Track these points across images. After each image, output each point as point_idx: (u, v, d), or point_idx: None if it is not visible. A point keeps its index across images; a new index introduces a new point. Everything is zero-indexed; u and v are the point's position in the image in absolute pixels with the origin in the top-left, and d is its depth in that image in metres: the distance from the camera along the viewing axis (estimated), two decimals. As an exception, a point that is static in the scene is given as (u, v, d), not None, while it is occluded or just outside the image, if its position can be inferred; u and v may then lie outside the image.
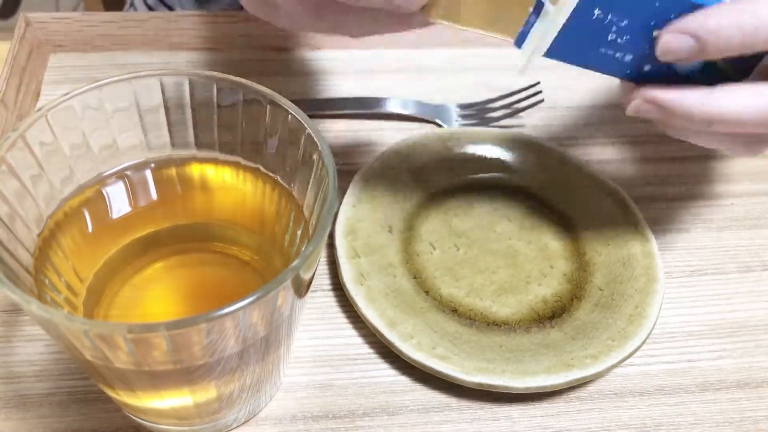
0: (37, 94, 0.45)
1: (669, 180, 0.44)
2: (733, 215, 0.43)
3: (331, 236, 0.37)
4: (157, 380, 0.25)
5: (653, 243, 0.38)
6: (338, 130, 0.45)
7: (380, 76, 0.49)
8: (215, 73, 0.28)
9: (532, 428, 0.33)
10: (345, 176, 0.40)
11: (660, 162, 0.45)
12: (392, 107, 0.46)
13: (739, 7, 0.27)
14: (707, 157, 0.46)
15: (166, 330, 0.21)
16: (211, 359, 0.24)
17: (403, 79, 0.49)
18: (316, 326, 0.35)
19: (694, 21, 0.27)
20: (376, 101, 0.46)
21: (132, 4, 0.64)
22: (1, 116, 0.41)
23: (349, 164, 0.43)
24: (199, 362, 0.24)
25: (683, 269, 0.40)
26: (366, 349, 0.35)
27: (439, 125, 0.46)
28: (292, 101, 0.28)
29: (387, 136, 0.45)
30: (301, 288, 0.25)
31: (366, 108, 0.46)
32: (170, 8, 0.61)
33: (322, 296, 0.37)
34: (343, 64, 0.49)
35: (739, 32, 0.26)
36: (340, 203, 0.38)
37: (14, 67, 0.43)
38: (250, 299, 0.22)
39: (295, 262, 0.23)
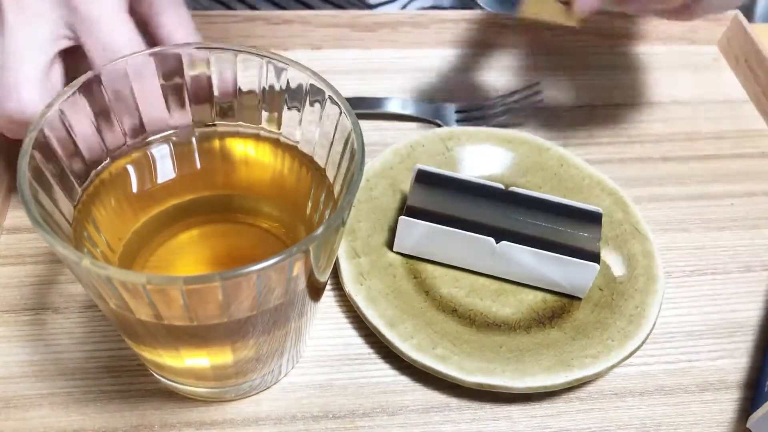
0: (37, 94, 0.45)
1: (669, 180, 0.44)
2: (733, 215, 0.43)
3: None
4: (175, 337, 0.26)
5: (653, 243, 0.38)
6: (338, 130, 0.45)
7: (380, 76, 0.49)
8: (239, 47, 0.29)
9: (532, 428, 0.33)
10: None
11: (660, 162, 0.45)
12: (392, 107, 0.46)
13: None
14: (707, 157, 0.46)
15: (184, 284, 0.22)
16: (256, 312, 0.25)
17: (403, 79, 0.49)
18: (316, 326, 0.35)
19: None
20: (376, 101, 0.46)
21: None
22: (1, 116, 0.41)
23: (349, 164, 0.43)
24: (243, 316, 0.25)
25: (683, 269, 0.40)
26: (366, 349, 0.35)
27: (439, 125, 0.46)
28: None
29: (387, 136, 0.45)
30: (321, 262, 0.26)
31: (366, 108, 0.46)
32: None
33: (322, 296, 0.37)
34: (343, 64, 0.49)
35: None
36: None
37: (14, 67, 0.43)
38: (274, 260, 0.22)
39: (320, 229, 0.23)
